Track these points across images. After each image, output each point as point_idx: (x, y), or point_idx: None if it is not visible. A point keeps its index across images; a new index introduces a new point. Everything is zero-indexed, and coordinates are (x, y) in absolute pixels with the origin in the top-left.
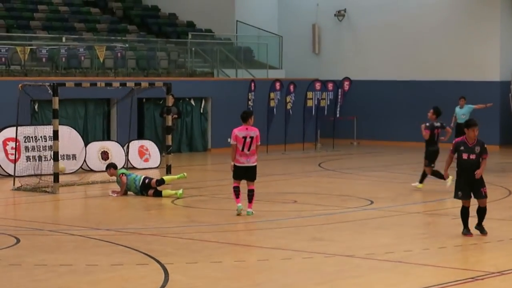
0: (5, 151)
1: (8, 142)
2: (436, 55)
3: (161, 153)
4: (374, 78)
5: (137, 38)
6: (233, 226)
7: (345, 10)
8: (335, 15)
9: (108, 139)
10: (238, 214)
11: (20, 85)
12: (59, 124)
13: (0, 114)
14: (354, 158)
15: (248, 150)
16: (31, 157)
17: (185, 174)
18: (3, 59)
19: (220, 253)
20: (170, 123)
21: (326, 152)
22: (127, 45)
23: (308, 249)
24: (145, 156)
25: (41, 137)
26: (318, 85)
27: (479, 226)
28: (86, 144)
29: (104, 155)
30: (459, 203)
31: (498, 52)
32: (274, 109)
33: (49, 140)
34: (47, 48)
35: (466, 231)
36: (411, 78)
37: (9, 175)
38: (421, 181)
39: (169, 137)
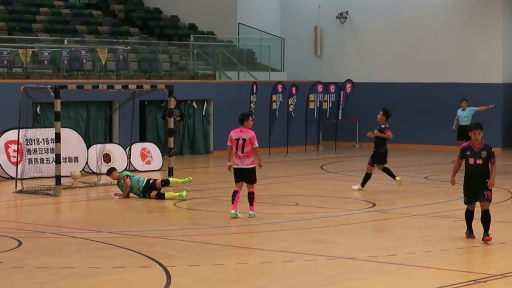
0: (7, 153)
1: (10, 145)
2: (438, 57)
3: (163, 156)
4: (376, 81)
5: (139, 41)
6: (235, 228)
7: (347, 13)
8: (337, 17)
9: (110, 141)
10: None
11: (22, 88)
12: (61, 127)
13: (2, 117)
14: (356, 160)
15: (242, 152)
16: (33, 160)
17: (190, 178)
18: (5, 62)
19: (222, 255)
20: (172, 126)
21: (328, 154)
22: (129, 47)
23: (310, 252)
24: (147, 158)
25: (43, 139)
26: (320, 88)
27: (485, 234)
28: (88, 147)
29: (106, 157)
30: (461, 206)
31: (500, 54)
32: (276, 112)
33: (51, 142)
34: (49, 51)
35: (469, 233)
36: (413, 81)
37: (11, 178)
38: (363, 184)
39: (171, 139)
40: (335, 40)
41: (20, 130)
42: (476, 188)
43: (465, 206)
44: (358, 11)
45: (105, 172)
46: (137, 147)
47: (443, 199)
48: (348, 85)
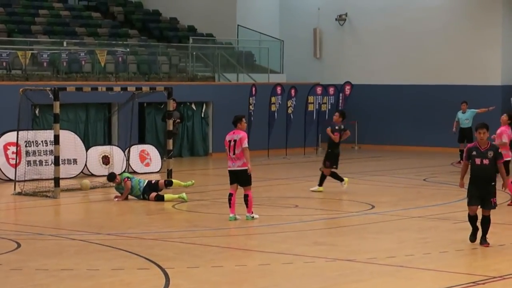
0: (6, 155)
1: (9, 147)
2: (437, 59)
3: (162, 158)
4: (376, 83)
5: (138, 43)
6: (234, 230)
7: (346, 14)
8: (336, 19)
9: (109, 143)
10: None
11: (21, 90)
12: (60, 129)
13: (1, 119)
14: (356, 162)
15: (234, 153)
16: (32, 162)
17: (193, 181)
18: (4, 64)
19: (221, 257)
20: (171, 128)
21: None
22: (128, 49)
23: (309, 254)
24: (146, 160)
25: (42, 141)
26: (319, 90)
27: (483, 239)
28: (87, 149)
29: (105, 159)
30: (460, 208)
31: (499, 56)
32: (275, 114)
33: (50, 144)
34: (48, 53)
35: (473, 238)
36: (412, 83)
37: (10, 180)
38: (320, 184)
39: (170, 141)
40: (334, 42)
41: (19, 132)
42: (482, 191)
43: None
44: (357, 13)
45: (106, 177)
46: (136, 149)
47: (442, 201)
48: (347, 87)
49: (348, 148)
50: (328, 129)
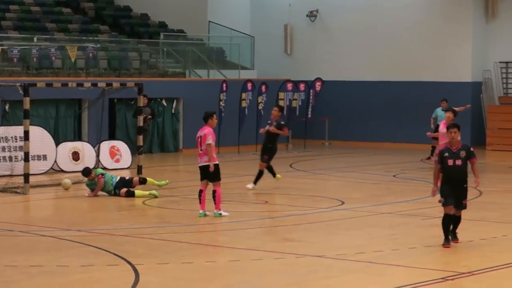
0: None
1: None
2: (409, 56)
3: (133, 154)
4: (346, 79)
5: (109, 39)
6: (204, 227)
7: (317, 11)
8: (307, 15)
9: (80, 139)
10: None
11: None
12: (30, 125)
13: None
14: (326, 158)
15: (200, 149)
16: (1, 158)
17: (167, 181)
18: None
19: (191, 254)
20: (141, 124)
21: (297, 152)
22: (99, 45)
23: (279, 250)
24: (116, 156)
25: (12, 137)
26: (289, 86)
27: (452, 233)
28: (57, 145)
29: (75, 155)
30: (429, 204)
31: (470, 53)
32: (246, 110)
33: (20, 140)
34: (19, 48)
35: (446, 242)
36: (383, 79)
37: None
38: (255, 181)
39: (140, 137)
40: (305, 38)
41: None
42: (456, 191)
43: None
44: (328, 10)
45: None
46: (106, 145)
47: (412, 198)
48: (318, 83)
49: (318, 145)
50: (272, 127)
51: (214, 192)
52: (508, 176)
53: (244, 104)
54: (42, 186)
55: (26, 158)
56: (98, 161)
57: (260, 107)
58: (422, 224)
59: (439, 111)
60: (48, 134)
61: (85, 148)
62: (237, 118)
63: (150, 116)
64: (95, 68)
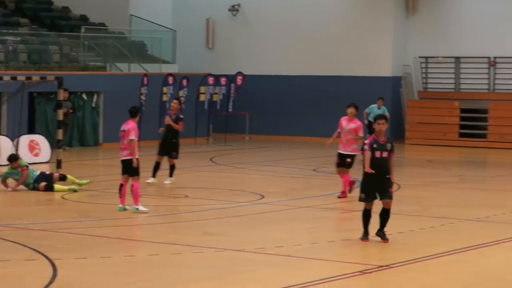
0: None
1: None
2: (330, 50)
3: (53, 148)
4: (268, 73)
5: (29, 32)
6: (123, 221)
7: (239, 5)
8: (229, 9)
9: None
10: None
11: None
12: None
13: None
14: (246, 152)
15: (123, 143)
16: None
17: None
18: None
19: (110, 248)
20: (61, 118)
21: (218, 146)
22: (19, 38)
23: (198, 244)
24: (35, 150)
25: None
26: (211, 80)
27: (381, 232)
28: None
29: None
30: (348, 198)
31: (390, 47)
32: (167, 104)
33: None
34: None
35: (365, 236)
36: (304, 73)
37: None
38: (154, 175)
39: (60, 131)
40: (227, 33)
41: None
42: (379, 184)
43: (355, 200)
44: (250, 4)
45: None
46: (25, 139)
47: (331, 191)
48: (239, 78)
49: (239, 139)
50: (170, 119)
51: (131, 186)
52: (426, 170)
53: (165, 98)
54: None
55: None
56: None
57: (181, 101)
58: (341, 217)
59: (375, 108)
60: None
61: (3, 142)
62: (158, 112)
63: (71, 110)
64: (14, 61)
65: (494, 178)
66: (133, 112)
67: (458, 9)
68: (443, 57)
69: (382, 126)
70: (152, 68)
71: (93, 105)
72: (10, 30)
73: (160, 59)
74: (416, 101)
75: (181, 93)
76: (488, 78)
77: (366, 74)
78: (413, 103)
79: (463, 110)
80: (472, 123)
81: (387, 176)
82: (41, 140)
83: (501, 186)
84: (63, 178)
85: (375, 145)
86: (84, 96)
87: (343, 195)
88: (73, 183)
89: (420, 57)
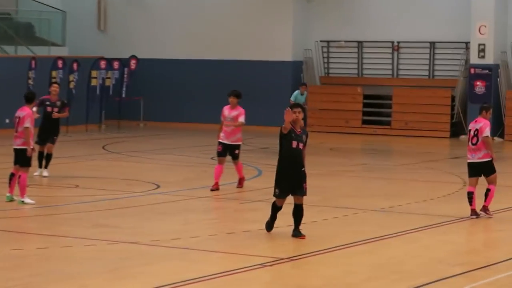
0: None
1: None
2: (229, 34)
3: None
4: (163, 57)
5: None
6: (9, 212)
7: None
8: None
9: None
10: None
11: None
12: None
13: None
14: (141, 140)
15: (16, 131)
16: None
17: None
18: None
19: None
20: None
21: (111, 134)
22: None
23: (90, 236)
24: None
25: None
26: (103, 64)
27: (296, 231)
28: None
29: None
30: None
31: (290, 31)
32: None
33: None
34: None
35: (269, 228)
36: (201, 57)
37: None
38: (41, 165)
39: None
40: (120, 14)
41: None
42: (294, 178)
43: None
44: None
45: None
46: None
47: (230, 181)
48: (133, 62)
49: (133, 126)
50: (51, 109)
51: (19, 177)
52: (329, 158)
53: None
54: None
55: None
56: None
57: (71, 85)
58: (240, 208)
59: (298, 96)
60: None
61: None
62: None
63: None
64: None
65: (398, 167)
66: (29, 98)
67: None
68: (345, 41)
69: (299, 115)
70: (41, 51)
71: None
72: None
73: (49, 41)
74: (317, 87)
75: (71, 77)
76: (391, 64)
77: (266, 58)
78: (314, 89)
79: (366, 97)
80: (376, 110)
81: (303, 169)
82: None
83: (405, 175)
84: None
85: (293, 135)
86: None
87: (215, 186)
88: None
89: (321, 41)
